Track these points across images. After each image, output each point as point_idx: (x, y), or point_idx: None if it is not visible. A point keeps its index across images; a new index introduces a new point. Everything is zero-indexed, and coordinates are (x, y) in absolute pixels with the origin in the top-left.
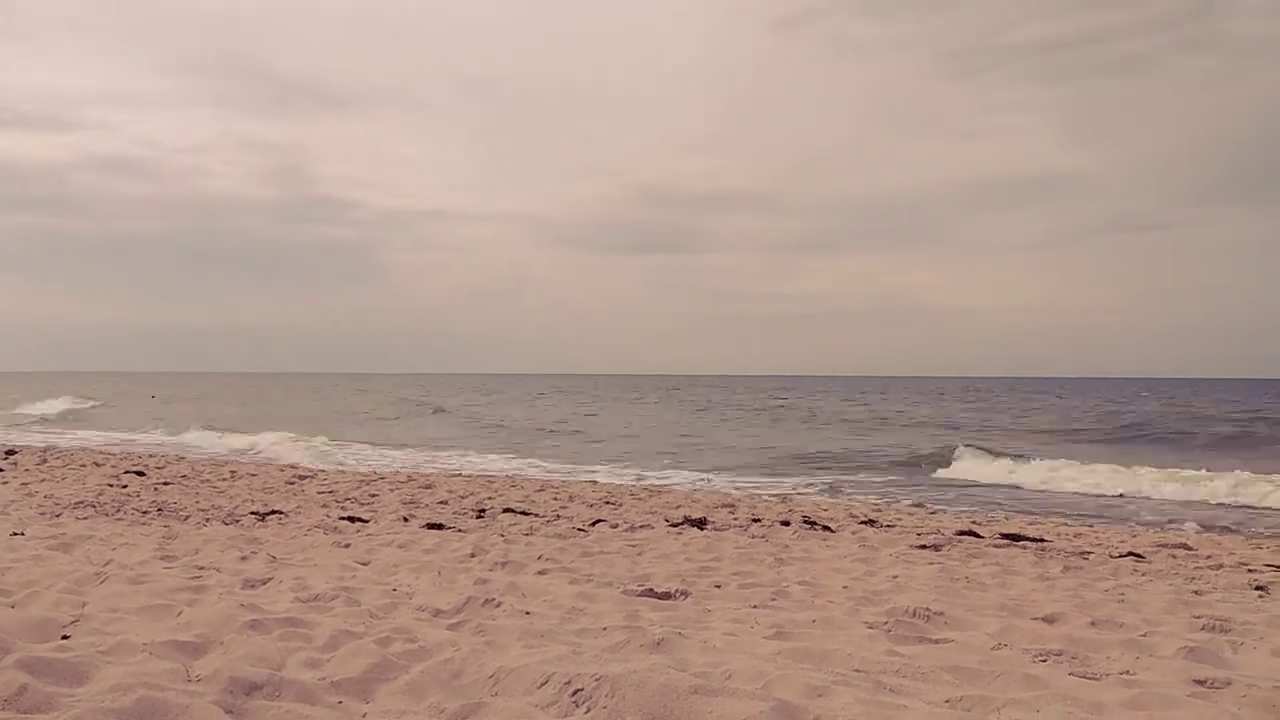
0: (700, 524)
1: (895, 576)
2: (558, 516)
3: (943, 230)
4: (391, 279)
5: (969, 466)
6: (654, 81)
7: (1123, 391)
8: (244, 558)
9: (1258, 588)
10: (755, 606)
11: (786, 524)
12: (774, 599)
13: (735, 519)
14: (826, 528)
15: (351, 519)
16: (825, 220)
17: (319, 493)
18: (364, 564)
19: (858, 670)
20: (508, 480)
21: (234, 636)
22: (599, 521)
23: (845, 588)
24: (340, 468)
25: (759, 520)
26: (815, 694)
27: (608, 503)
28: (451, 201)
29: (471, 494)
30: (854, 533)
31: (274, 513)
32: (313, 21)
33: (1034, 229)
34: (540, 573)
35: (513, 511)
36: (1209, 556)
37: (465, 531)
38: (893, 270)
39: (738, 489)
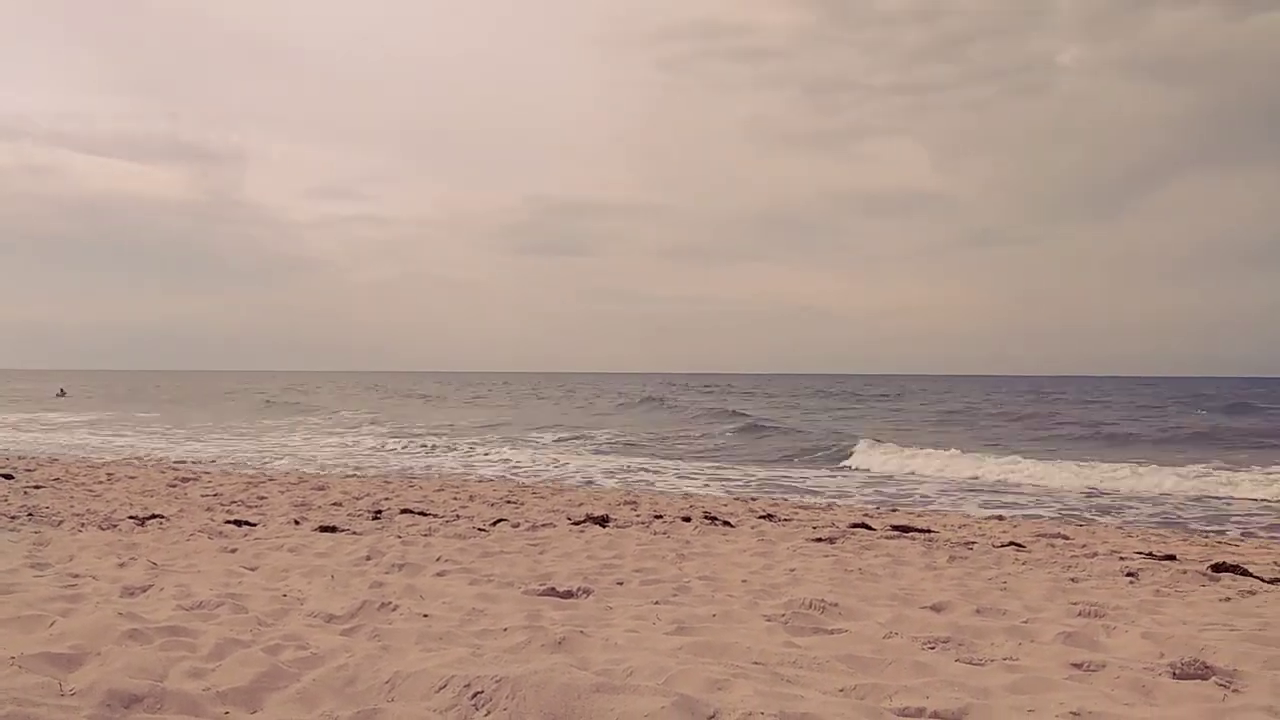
0: (603, 521)
1: (792, 569)
2: (457, 516)
3: (824, 240)
4: (306, 278)
5: (868, 458)
6: (555, 112)
7: (989, 387)
8: (122, 564)
9: (1128, 574)
10: (657, 603)
11: (688, 520)
12: (675, 594)
13: (637, 516)
14: (727, 523)
15: (238, 523)
16: (715, 230)
17: (203, 496)
18: (252, 569)
19: (757, 662)
20: (405, 480)
21: (112, 647)
22: (500, 521)
23: (745, 581)
24: (226, 470)
25: (661, 516)
26: (715, 687)
27: (509, 502)
28: (368, 207)
29: (367, 495)
30: (753, 527)
31: (154, 517)
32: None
33: (907, 240)
34: (439, 574)
35: (411, 512)
36: (1084, 545)
37: (360, 534)
38: (778, 276)
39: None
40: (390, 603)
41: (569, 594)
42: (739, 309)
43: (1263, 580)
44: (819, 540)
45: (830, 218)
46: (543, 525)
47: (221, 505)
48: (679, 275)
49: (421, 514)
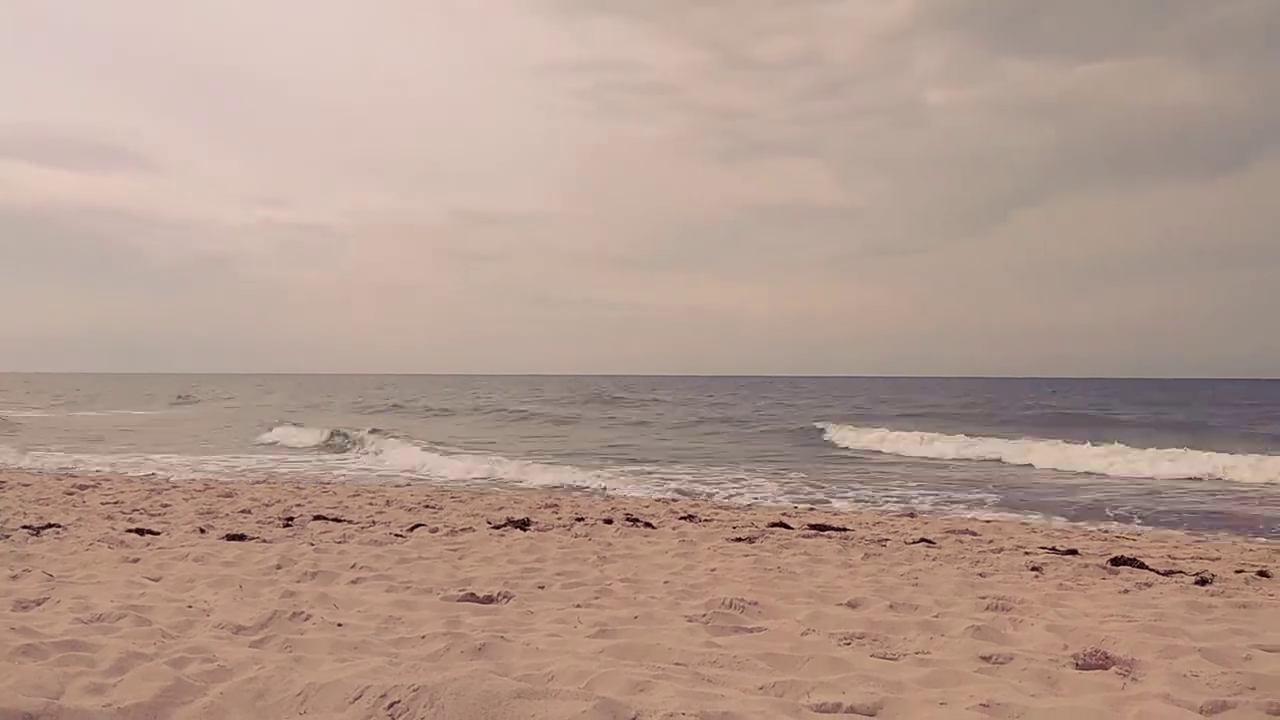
0: (523, 525)
1: (713, 569)
2: (373, 522)
3: (735, 249)
4: (235, 282)
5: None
6: (475, 132)
7: (881, 386)
8: (15, 576)
9: (1033, 568)
10: (579, 606)
11: (609, 522)
12: (597, 597)
13: (559, 519)
14: (649, 524)
15: (140, 531)
16: (631, 240)
17: (103, 504)
18: (155, 580)
19: (678, 663)
20: (319, 486)
21: (3, 664)
22: (418, 526)
23: (666, 583)
24: (127, 476)
25: (582, 519)
26: (637, 689)
27: (427, 506)
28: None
29: (278, 501)
30: (674, 528)
31: (50, 526)
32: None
33: (812, 250)
34: (354, 582)
35: (324, 519)
36: (991, 541)
37: (270, 542)
38: (691, 284)
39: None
40: (302, 612)
41: (489, 599)
42: (654, 314)
43: (1158, 573)
44: (739, 540)
45: (740, 229)
46: (462, 530)
47: (123, 513)
48: (597, 282)
49: (336, 520)
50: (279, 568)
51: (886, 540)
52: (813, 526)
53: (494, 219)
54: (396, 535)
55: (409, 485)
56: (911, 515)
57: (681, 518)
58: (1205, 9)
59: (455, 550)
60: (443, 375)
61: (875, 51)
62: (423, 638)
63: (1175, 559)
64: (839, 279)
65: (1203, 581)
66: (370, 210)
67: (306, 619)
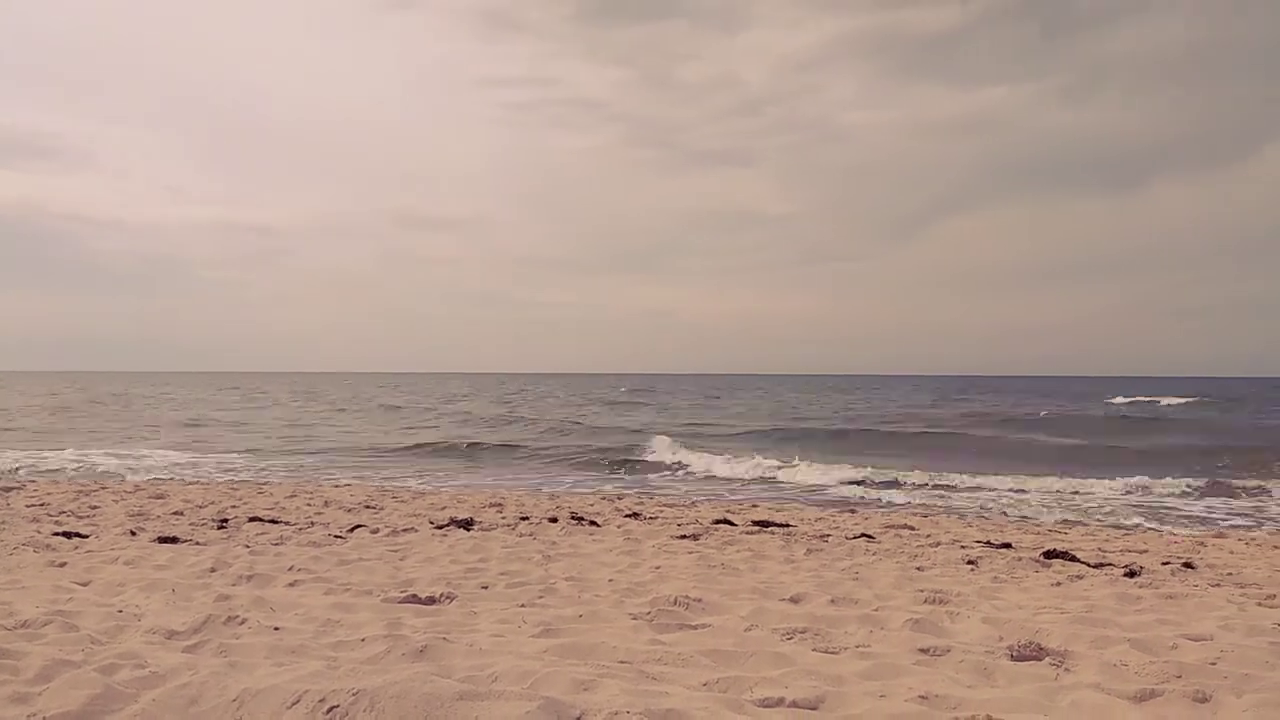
0: (467, 524)
1: (658, 567)
2: (311, 524)
3: (678, 253)
4: (179, 282)
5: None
6: (420, 140)
7: (805, 385)
8: None
9: (969, 562)
10: (523, 605)
11: (554, 520)
12: (542, 596)
13: (503, 518)
14: (593, 522)
15: (68, 534)
16: (571, 244)
17: (28, 506)
18: (83, 584)
19: (623, 661)
20: (255, 487)
21: None
22: (358, 527)
23: (611, 581)
24: (54, 478)
25: (527, 518)
26: (582, 688)
27: (368, 507)
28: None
29: (212, 503)
30: (619, 526)
31: None
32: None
33: (754, 255)
34: (291, 584)
35: (260, 520)
36: (928, 535)
37: (204, 544)
38: (634, 285)
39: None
40: (238, 616)
41: (431, 600)
42: (594, 314)
43: (1089, 565)
44: (684, 537)
45: (678, 235)
46: (404, 530)
47: (49, 516)
48: (538, 283)
49: (272, 522)
50: (213, 571)
51: (828, 536)
52: (756, 523)
53: (437, 222)
54: (336, 536)
55: (349, 485)
56: (852, 511)
57: (627, 515)
58: (1103, 41)
59: (396, 551)
60: (385, 374)
61: (789, 77)
62: (363, 640)
63: (1105, 552)
64: (776, 282)
65: (1131, 574)
66: (314, 213)
67: (242, 623)
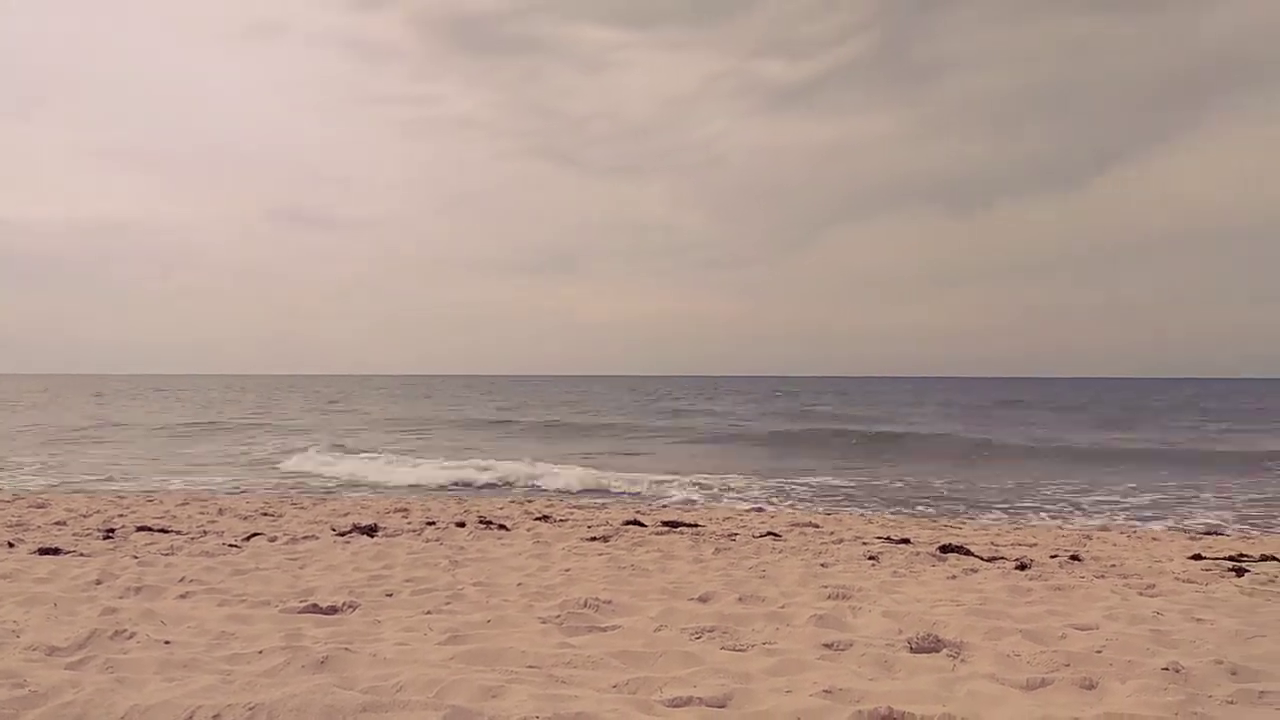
0: (370, 531)
1: (567, 570)
2: (204, 533)
3: (581, 259)
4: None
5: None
6: (316, 152)
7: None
8: None
9: (870, 558)
10: (429, 612)
11: (462, 525)
12: (449, 603)
13: (409, 523)
14: (503, 526)
15: None
16: (477, 247)
17: None
18: None
19: (531, 666)
20: (144, 496)
21: None
22: (255, 535)
23: (520, 585)
24: None
25: (434, 523)
26: (489, 695)
27: (265, 514)
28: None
29: (97, 512)
30: (529, 529)
31: None
32: None
33: (651, 262)
34: (183, 596)
35: (149, 530)
36: (832, 532)
37: (89, 555)
38: (536, 288)
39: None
40: (125, 630)
41: (332, 609)
42: (497, 313)
43: (982, 559)
44: (594, 539)
45: (582, 242)
46: (304, 538)
47: None
48: (439, 285)
49: (162, 531)
50: (98, 583)
51: (736, 535)
52: (666, 523)
53: (330, 225)
54: (231, 545)
55: (245, 493)
56: (760, 510)
57: (537, 518)
58: (943, 87)
59: (296, 560)
60: (279, 376)
61: (667, 111)
62: (260, 653)
63: (998, 545)
64: (677, 286)
65: (1022, 566)
66: (199, 215)
67: (130, 637)
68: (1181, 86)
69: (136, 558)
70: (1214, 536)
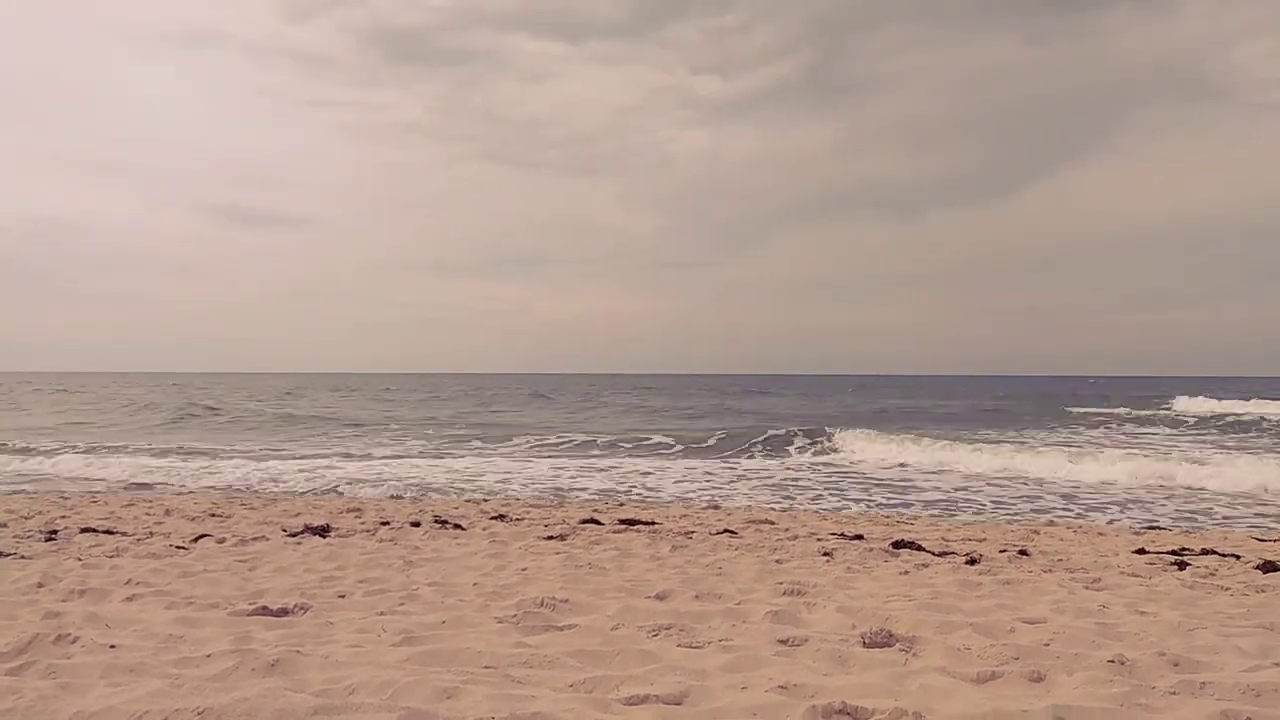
0: (323, 531)
1: (524, 569)
2: (151, 534)
3: (532, 259)
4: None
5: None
6: (253, 152)
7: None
8: None
9: (825, 554)
10: (382, 613)
11: (417, 525)
12: (403, 603)
13: (362, 523)
14: (458, 526)
15: None
16: (428, 248)
17: None
18: None
19: (488, 666)
20: (88, 496)
21: None
22: (203, 536)
23: (476, 584)
24: None
25: (388, 523)
26: (445, 696)
27: (213, 515)
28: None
29: (39, 512)
30: (485, 529)
31: None
32: None
33: (609, 263)
34: (129, 599)
35: (94, 531)
36: (787, 529)
37: (30, 558)
38: (487, 288)
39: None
40: (69, 634)
41: (283, 612)
42: (450, 314)
43: (933, 554)
44: (551, 538)
45: (533, 242)
46: (253, 539)
47: None
48: (385, 285)
49: (107, 533)
50: (40, 586)
51: (693, 532)
52: (623, 521)
53: (280, 223)
54: (178, 547)
55: (192, 493)
56: (716, 507)
57: (493, 518)
58: (876, 105)
59: (245, 561)
60: (215, 374)
61: (614, 119)
62: (208, 656)
63: (948, 541)
64: (626, 286)
65: (972, 561)
66: (145, 211)
67: (74, 641)
68: (1091, 108)
69: (80, 560)
70: (1156, 531)
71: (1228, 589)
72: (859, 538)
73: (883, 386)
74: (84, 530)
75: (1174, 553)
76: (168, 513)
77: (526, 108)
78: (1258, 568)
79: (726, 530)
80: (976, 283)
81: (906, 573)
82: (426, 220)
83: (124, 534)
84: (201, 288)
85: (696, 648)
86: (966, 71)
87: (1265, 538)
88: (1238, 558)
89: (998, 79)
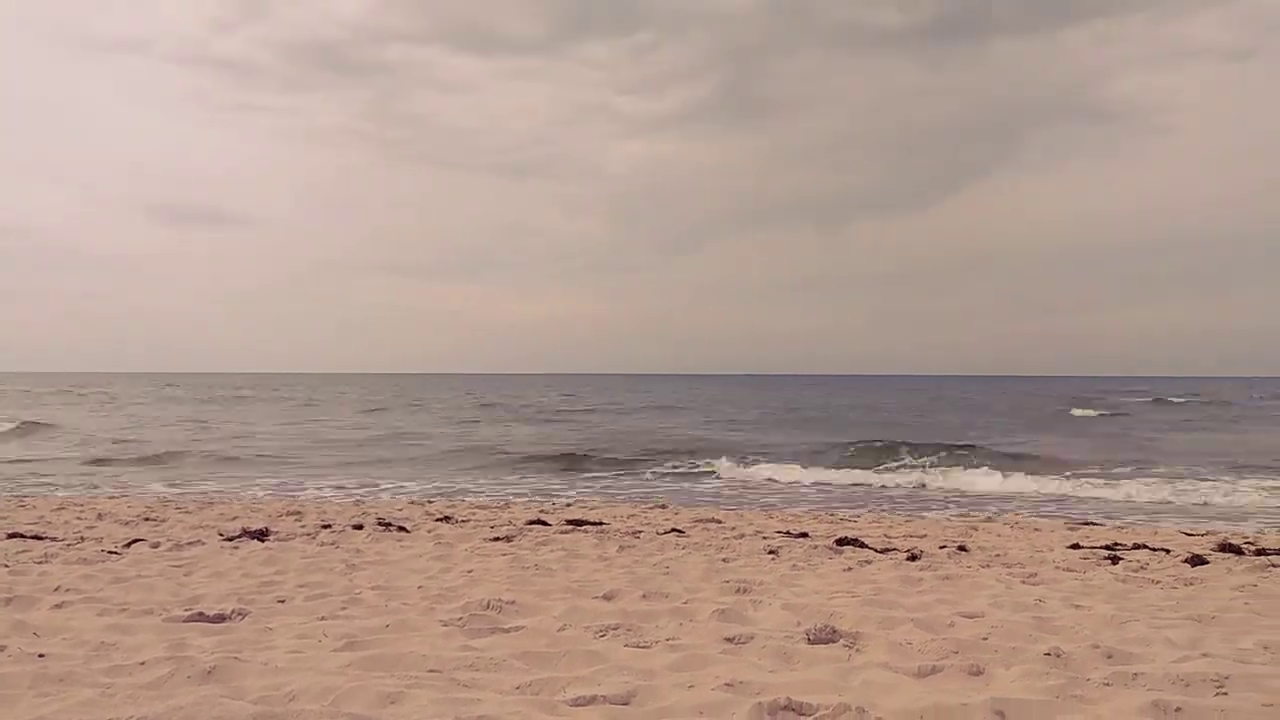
0: (261, 535)
1: (470, 571)
2: (82, 539)
3: (473, 261)
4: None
5: None
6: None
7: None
8: None
9: (770, 552)
10: (324, 618)
11: (360, 527)
12: (345, 608)
13: (302, 526)
14: (402, 528)
15: None
16: (365, 248)
17: None
18: None
19: (433, 670)
20: (14, 500)
21: None
22: (136, 541)
23: (421, 587)
24: None
25: (329, 526)
26: (388, 701)
27: (148, 519)
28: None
29: None
30: (430, 531)
31: None
32: None
33: (548, 267)
34: (58, 606)
35: (21, 536)
36: (734, 528)
37: None
38: (444, 290)
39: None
40: None
41: (221, 617)
42: (391, 314)
43: (876, 551)
44: (497, 539)
45: (474, 244)
46: (189, 544)
47: None
48: (327, 285)
49: (36, 538)
50: None
51: (640, 532)
52: (570, 522)
53: (219, 223)
54: (110, 552)
55: (125, 497)
56: (664, 507)
57: (438, 519)
58: (808, 118)
59: (180, 566)
60: (159, 374)
61: (546, 129)
62: (142, 664)
63: (890, 538)
64: (565, 290)
65: (913, 557)
66: (79, 212)
67: (0, 650)
68: (993, 130)
69: (7, 566)
70: (1090, 526)
71: (1158, 582)
72: (804, 535)
73: (813, 387)
74: (10, 535)
75: (1107, 548)
76: (99, 517)
77: (456, 117)
78: (1186, 561)
79: (674, 530)
80: (898, 288)
81: (850, 569)
82: (367, 221)
83: (53, 539)
84: (139, 287)
85: (644, 647)
86: (875, 95)
87: (1193, 532)
88: (1168, 552)
89: (904, 102)
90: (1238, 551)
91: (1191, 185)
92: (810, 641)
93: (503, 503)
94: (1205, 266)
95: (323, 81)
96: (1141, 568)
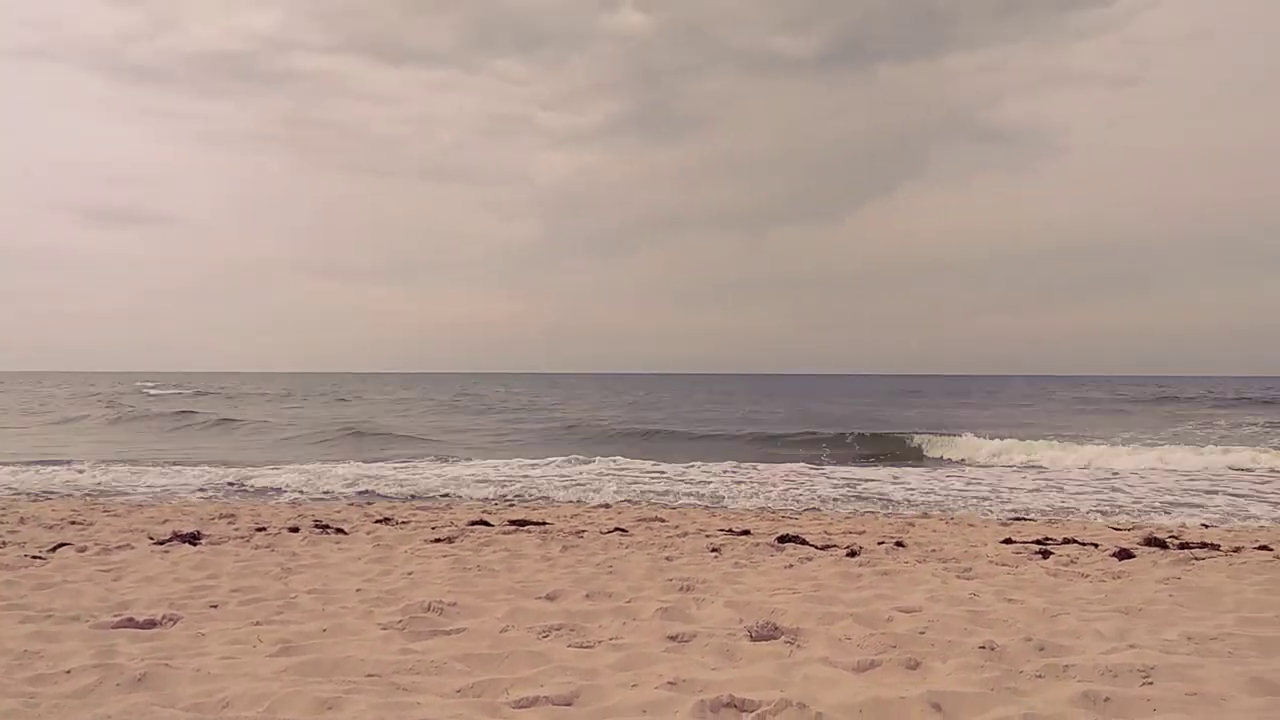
0: (193, 539)
1: (410, 573)
2: (3, 544)
3: (404, 263)
4: None
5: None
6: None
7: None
8: None
9: (713, 549)
10: (258, 623)
11: (296, 530)
12: (280, 612)
13: (236, 529)
14: (340, 530)
15: None
16: (286, 249)
17: None
18: None
19: (371, 675)
20: None
21: None
22: (62, 545)
23: (359, 591)
24: None
25: (264, 529)
26: (325, 708)
27: (73, 522)
28: None
29: None
30: (369, 533)
31: None
32: None
33: (479, 269)
34: None
35: None
36: (677, 526)
37: None
38: (375, 291)
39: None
40: None
41: (151, 623)
42: (322, 316)
43: (816, 548)
44: (438, 540)
45: (404, 247)
46: (118, 547)
47: None
48: (246, 286)
49: None
50: None
51: (584, 532)
52: (513, 522)
53: (143, 224)
54: (34, 557)
55: (50, 499)
56: (607, 506)
57: (377, 521)
58: (725, 135)
59: (109, 571)
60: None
61: (470, 138)
62: (68, 673)
63: (830, 534)
64: (496, 290)
65: (853, 553)
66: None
67: None
68: (900, 147)
69: None
70: (1022, 522)
71: (1087, 576)
72: (746, 533)
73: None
74: None
75: (1038, 542)
76: (22, 521)
77: (380, 126)
78: (1114, 555)
79: (618, 529)
80: (816, 292)
81: (791, 566)
82: (293, 223)
83: None
84: (62, 287)
85: (587, 647)
86: (781, 116)
87: (1120, 527)
88: (1096, 546)
89: (810, 123)
90: (1162, 545)
91: (1092, 198)
92: (752, 638)
93: (444, 504)
94: (1118, 271)
95: (238, 89)
96: (1071, 562)
